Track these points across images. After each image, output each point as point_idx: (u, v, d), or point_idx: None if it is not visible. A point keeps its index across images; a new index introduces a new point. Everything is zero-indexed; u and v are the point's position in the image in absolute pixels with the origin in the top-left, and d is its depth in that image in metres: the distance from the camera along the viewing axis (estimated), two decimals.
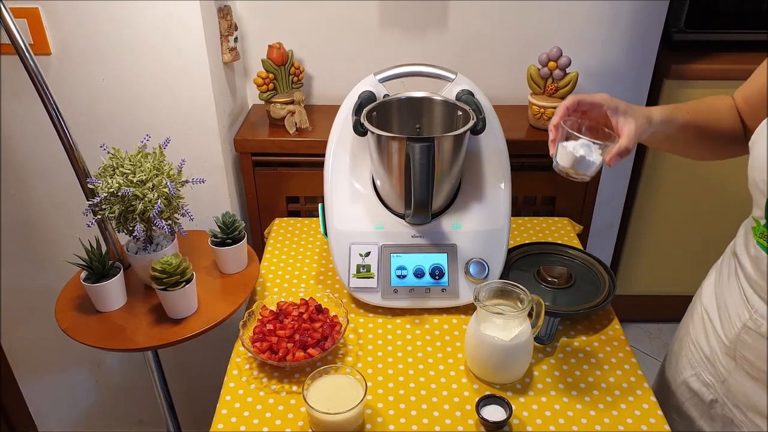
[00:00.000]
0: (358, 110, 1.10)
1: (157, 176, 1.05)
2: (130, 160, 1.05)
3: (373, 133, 1.06)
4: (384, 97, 1.16)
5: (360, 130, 1.09)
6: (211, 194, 1.48)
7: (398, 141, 1.04)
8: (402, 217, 1.14)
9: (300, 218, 1.46)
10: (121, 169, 1.04)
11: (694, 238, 2.02)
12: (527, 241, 1.31)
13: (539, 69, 1.46)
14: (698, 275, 1.05)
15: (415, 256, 1.13)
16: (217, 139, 1.42)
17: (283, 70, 1.49)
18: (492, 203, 1.15)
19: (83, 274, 1.08)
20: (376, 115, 1.13)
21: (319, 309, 1.08)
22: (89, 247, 1.06)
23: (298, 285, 1.23)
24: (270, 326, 1.04)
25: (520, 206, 1.60)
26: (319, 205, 1.20)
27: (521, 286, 0.97)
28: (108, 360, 1.76)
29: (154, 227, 1.09)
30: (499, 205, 1.15)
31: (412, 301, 1.12)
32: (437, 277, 1.12)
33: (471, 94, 1.14)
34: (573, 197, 1.57)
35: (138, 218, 1.05)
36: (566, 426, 0.92)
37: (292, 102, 1.51)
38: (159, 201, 1.04)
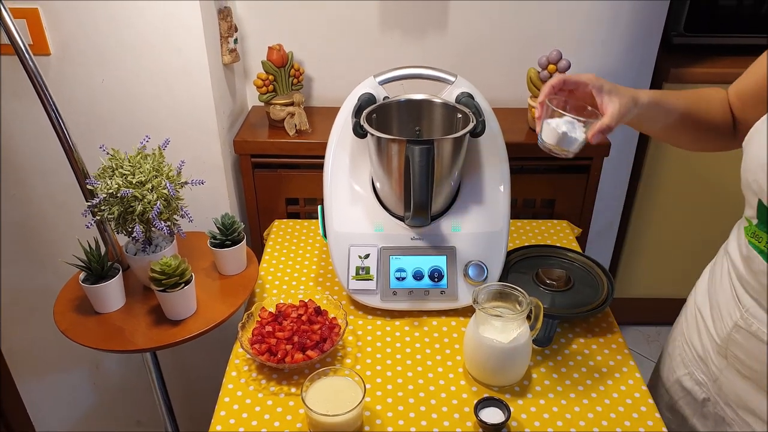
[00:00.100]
0: (357, 112, 1.11)
1: (156, 177, 1.05)
2: (129, 161, 1.05)
3: (372, 135, 1.06)
4: (384, 99, 1.17)
5: (360, 132, 1.09)
6: (211, 196, 1.49)
7: (398, 143, 1.04)
8: (401, 219, 1.14)
9: (299, 220, 1.46)
10: (120, 170, 1.04)
11: (693, 241, 2.03)
12: (526, 244, 1.31)
13: (539, 72, 1.47)
14: (697, 279, 1.05)
15: (414, 259, 1.13)
16: (217, 140, 1.42)
17: (283, 72, 1.49)
18: (491, 206, 1.15)
19: (82, 275, 1.08)
20: (376, 117, 1.13)
21: (318, 311, 1.08)
22: (88, 248, 1.06)
23: (297, 287, 1.23)
24: (269, 328, 1.04)
25: (520, 209, 1.61)
26: (319, 206, 1.20)
27: (520, 289, 0.97)
28: (106, 361, 1.76)
29: (153, 228, 1.09)
30: (499, 207, 1.15)
31: (411, 303, 1.13)
32: (436, 280, 1.12)
33: (471, 96, 1.14)
34: (572, 200, 1.57)
35: (137, 219, 1.05)
36: (564, 428, 0.92)
37: (291, 104, 1.51)
38: (158, 202, 1.04)
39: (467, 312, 1.14)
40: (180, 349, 1.11)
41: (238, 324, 1.05)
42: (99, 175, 1.05)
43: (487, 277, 1.12)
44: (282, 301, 1.11)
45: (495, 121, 1.16)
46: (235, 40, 1.45)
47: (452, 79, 1.17)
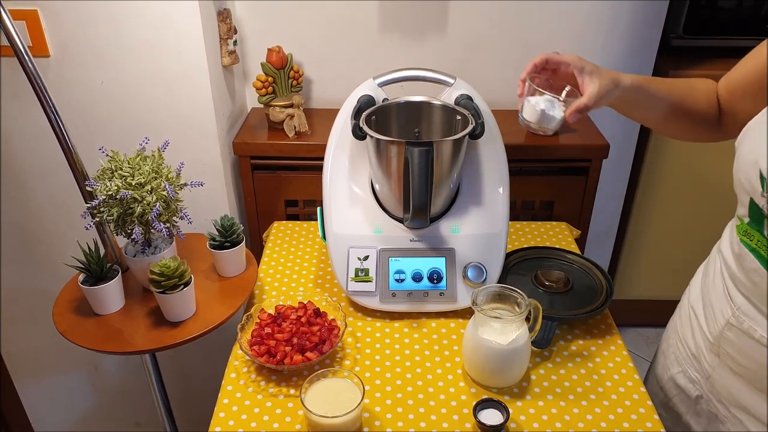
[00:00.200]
0: (357, 114, 1.11)
1: (155, 179, 1.05)
2: (128, 163, 1.05)
3: (372, 137, 1.06)
4: (383, 101, 1.17)
5: (359, 134, 1.09)
6: (210, 197, 1.49)
7: (397, 145, 1.04)
8: (400, 221, 1.14)
9: (298, 222, 1.46)
10: (119, 171, 1.04)
11: (692, 243, 2.02)
12: (525, 246, 1.31)
13: None
14: None
15: (413, 260, 1.13)
16: (216, 142, 1.42)
17: (282, 74, 1.49)
18: (490, 207, 1.15)
19: (81, 277, 1.08)
20: (375, 119, 1.13)
21: (318, 312, 1.08)
22: (87, 250, 1.06)
23: (296, 288, 1.23)
24: (268, 329, 1.04)
25: (519, 210, 1.61)
26: (318, 208, 1.20)
27: (519, 291, 0.97)
28: (105, 363, 1.76)
29: (152, 230, 1.09)
30: (498, 209, 1.15)
31: (410, 304, 1.13)
32: (435, 281, 1.12)
33: (470, 98, 1.14)
34: (571, 202, 1.57)
35: (136, 221, 1.05)
36: (563, 429, 0.92)
37: (291, 105, 1.51)
38: (157, 204, 1.04)
39: (466, 314, 1.14)
40: (179, 350, 1.11)
41: (238, 325, 1.05)
42: (98, 177, 1.05)
43: (486, 278, 1.12)
44: (281, 303, 1.11)
45: (494, 123, 1.16)
46: (235, 42, 1.46)
47: (451, 81, 1.17)
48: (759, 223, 0.77)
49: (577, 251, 1.31)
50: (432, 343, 1.08)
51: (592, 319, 1.14)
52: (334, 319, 1.08)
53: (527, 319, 0.98)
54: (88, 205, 1.04)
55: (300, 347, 1.00)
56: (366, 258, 1.13)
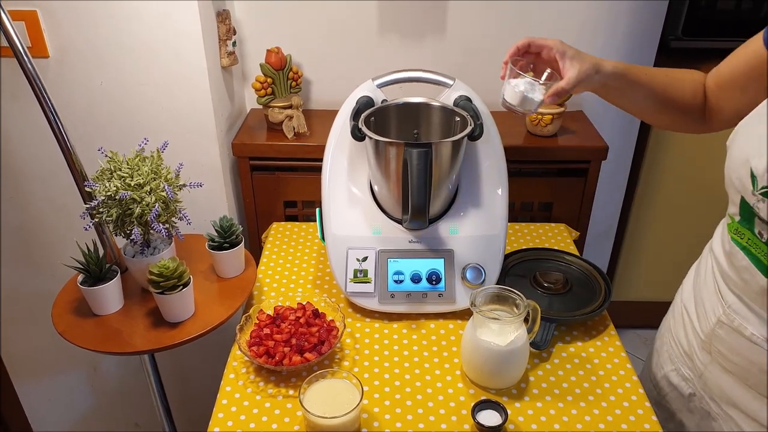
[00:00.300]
0: (356, 115, 1.11)
1: (154, 180, 1.05)
2: (127, 164, 1.05)
3: (371, 138, 1.06)
4: (382, 102, 1.17)
5: (358, 135, 1.09)
6: (209, 198, 1.49)
7: (396, 146, 1.04)
8: (399, 222, 1.14)
9: (297, 223, 1.46)
10: (118, 172, 1.04)
11: (691, 244, 2.02)
12: (524, 247, 1.31)
13: None
14: None
15: (412, 261, 1.13)
16: (215, 143, 1.42)
17: (281, 75, 1.50)
18: (489, 209, 1.16)
19: (80, 278, 1.08)
20: (374, 120, 1.13)
21: (316, 313, 1.09)
22: (86, 251, 1.06)
23: (295, 289, 1.23)
24: (267, 330, 1.04)
25: (517, 212, 1.61)
26: (317, 209, 1.21)
27: (517, 292, 0.97)
28: (104, 363, 1.76)
29: (151, 231, 1.09)
30: (496, 210, 1.16)
31: (408, 306, 1.13)
32: (434, 282, 1.12)
33: (469, 99, 1.14)
34: (570, 203, 1.57)
35: (135, 222, 1.05)
36: (561, 431, 0.92)
37: (290, 106, 1.51)
38: (156, 205, 1.04)
39: (465, 315, 1.14)
40: (178, 351, 1.11)
41: (236, 326, 1.05)
42: (97, 178, 1.05)
43: (484, 280, 1.12)
44: (280, 304, 1.11)
45: (493, 125, 1.16)
46: (234, 43, 1.46)
47: (450, 82, 1.17)
48: (749, 222, 0.78)
49: (576, 253, 1.31)
50: (431, 344, 1.08)
51: (591, 321, 1.14)
52: (332, 320, 1.08)
53: (526, 320, 0.98)
54: (87, 205, 1.04)
55: (299, 348, 1.00)
56: (365, 259, 1.13)
